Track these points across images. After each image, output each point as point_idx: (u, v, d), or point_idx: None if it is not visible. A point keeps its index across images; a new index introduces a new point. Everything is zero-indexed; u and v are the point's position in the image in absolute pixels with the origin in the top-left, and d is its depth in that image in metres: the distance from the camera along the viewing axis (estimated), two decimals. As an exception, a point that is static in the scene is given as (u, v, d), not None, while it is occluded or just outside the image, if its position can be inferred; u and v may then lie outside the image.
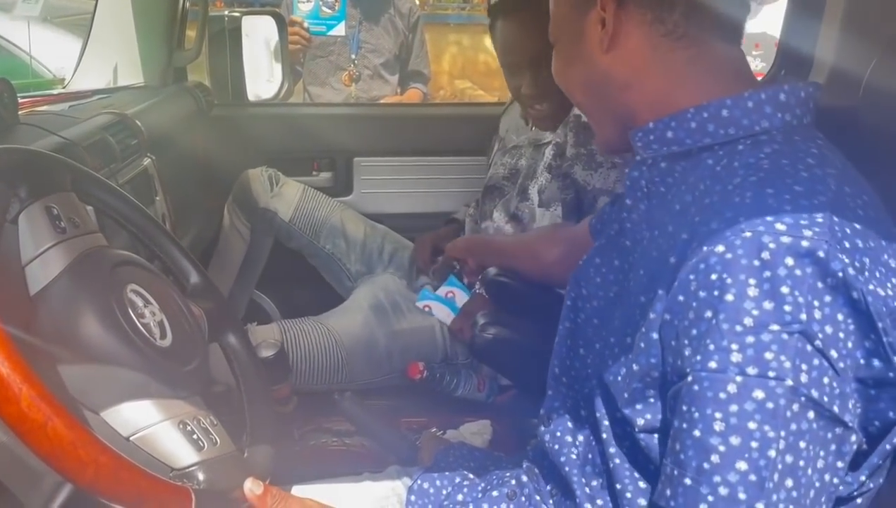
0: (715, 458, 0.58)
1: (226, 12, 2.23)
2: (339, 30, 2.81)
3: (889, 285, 0.60)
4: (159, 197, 1.44)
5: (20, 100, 1.25)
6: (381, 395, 1.47)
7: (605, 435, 0.73)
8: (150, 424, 0.74)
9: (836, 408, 0.58)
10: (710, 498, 0.58)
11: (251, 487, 0.75)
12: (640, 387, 0.67)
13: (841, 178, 0.65)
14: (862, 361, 0.59)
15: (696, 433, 0.60)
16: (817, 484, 0.59)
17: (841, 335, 0.58)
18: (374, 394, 1.47)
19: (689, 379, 0.61)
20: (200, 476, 0.74)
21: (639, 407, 0.68)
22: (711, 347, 0.59)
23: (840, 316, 0.58)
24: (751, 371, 0.58)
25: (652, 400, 0.67)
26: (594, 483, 0.77)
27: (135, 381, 0.75)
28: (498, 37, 1.52)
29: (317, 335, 1.52)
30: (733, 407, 0.58)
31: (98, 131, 1.30)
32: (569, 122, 1.47)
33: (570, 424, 0.81)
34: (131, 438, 0.73)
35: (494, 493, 0.86)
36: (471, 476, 0.93)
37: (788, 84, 0.70)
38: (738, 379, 0.58)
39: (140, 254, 0.91)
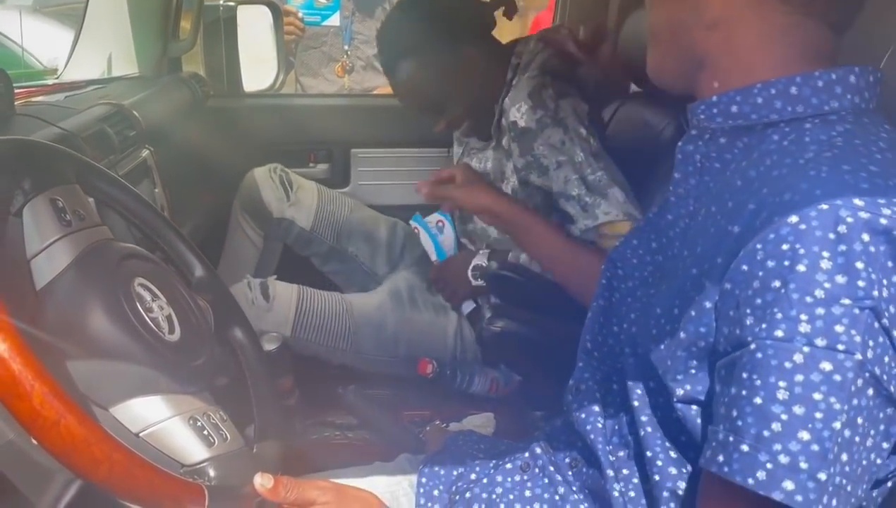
0: (776, 426, 0.58)
1: (221, 1, 2.19)
2: (334, 20, 2.79)
3: None
4: (158, 188, 1.42)
5: (15, 91, 1.23)
6: (383, 387, 1.46)
7: (637, 403, 0.73)
8: (160, 420, 0.73)
9: (892, 388, 0.58)
10: (770, 466, 0.58)
11: (261, 482, 0.74)
12: (683, 356, 0.67)
13: None
14: None
15: (758, 400, 0.59)
16: (864, 462, 0.59)
17: None
18: (376, 386, 1.46)
19: (752, 346, 0.60)
20: (211, 473, 0.73)
21: (679, 377, 0.68)
22: (779, 316, 0.58)
23: None
24: (819, 342, 0.57)
25: (693, 371, 0.67)
26: (620, 453, 0.77)
27: (144, 377, 0.74)
28: (396, 84, 1.49)
29: (331, 300, 1.54)
30: (799, 377, 0.57)
31: (96, 122, 1.28)
32: (508, 131, 1.39)
33: (598, 395, 0.81)
34: (141, 434, 0.72)
35: (507, 465, 0.86)
36: (481, 456, 0.93)
37: (860, 67, 0.69)
38: (806, 349, 0.57)
39: (142, 247, 0.89)
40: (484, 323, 1.33)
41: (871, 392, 0.58)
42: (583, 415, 0.81)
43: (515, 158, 1.38)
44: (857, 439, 0.58)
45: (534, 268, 1.40)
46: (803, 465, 0.57)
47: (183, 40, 1.97)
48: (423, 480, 0.90)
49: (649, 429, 0.72)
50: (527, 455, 0.87)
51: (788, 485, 0.57)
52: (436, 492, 0.89)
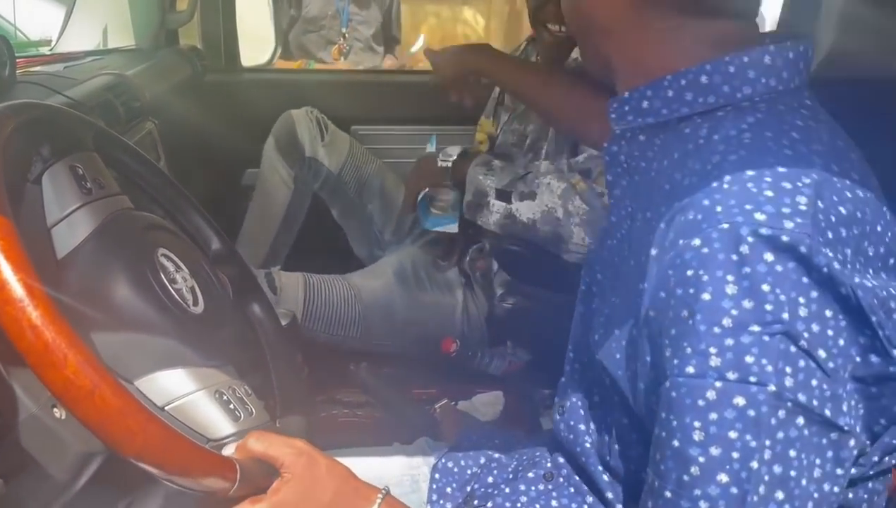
0: (695, 470, 0.55)
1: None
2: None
3: (869, 274, 0.57)
4: (162, 161, 1.40)
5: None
6: (392, 365, 1.45)
7: (626, 420, 0.70)
8: (186, 393, 0.71)
9: (827, 412, 0.55)
10: None
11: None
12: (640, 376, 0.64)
13: (828, 155, 0.60)
14: (858, 359, 0.56)
15: (675, 443, 0.56)
16: (815, 495, 0.56)
17: (830, 332, 0.54)
18: (385, 363, 1.45)
19: (668, 384, 0.57)
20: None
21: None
22: (689, 350, 0.55)
23: (828, 313, 0.54)
24: (730, 376, 0.54)
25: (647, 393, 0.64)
26: (611, 471, 0.74)
27: (169, 349, 0.72)
28: None
29: (338, 286, 1.52)
30: (713, 415, 0.54)
31: (101, 91, 1.25)
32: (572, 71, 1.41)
33: (582, 412, 0.78)
34: (167, 408, 0.71)
35: (530, 474, 0.83)
36: (496, 455, 0.90)
37: (775, 44, 0.65)
38: (718, 384, 0.54)
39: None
40: (496, 300, 1.33)
41: (800, 421, 0.54)
42: (571, 436, 0.78)
43: None
44: (792, 473, 0.55)
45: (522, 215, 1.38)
46: None
47: (181, 12, 1.93)
48: (437, 476, 0.88)
49: (640, 448, 0.68)
50: (549, 464, 0.83)
51: None
52: (448, 490, 0.87)
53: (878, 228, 0.58)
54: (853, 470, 0.59)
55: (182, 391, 0.72)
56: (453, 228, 1.50)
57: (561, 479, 0.81)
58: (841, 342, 0.55)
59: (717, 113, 0.64)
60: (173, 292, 0.74)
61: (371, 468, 0.87)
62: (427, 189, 1.51)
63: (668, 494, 0.57)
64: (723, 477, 0.54)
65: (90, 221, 0.73)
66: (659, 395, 0.59)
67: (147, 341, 0.71)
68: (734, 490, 0.54)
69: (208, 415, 0.72)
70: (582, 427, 0.77)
